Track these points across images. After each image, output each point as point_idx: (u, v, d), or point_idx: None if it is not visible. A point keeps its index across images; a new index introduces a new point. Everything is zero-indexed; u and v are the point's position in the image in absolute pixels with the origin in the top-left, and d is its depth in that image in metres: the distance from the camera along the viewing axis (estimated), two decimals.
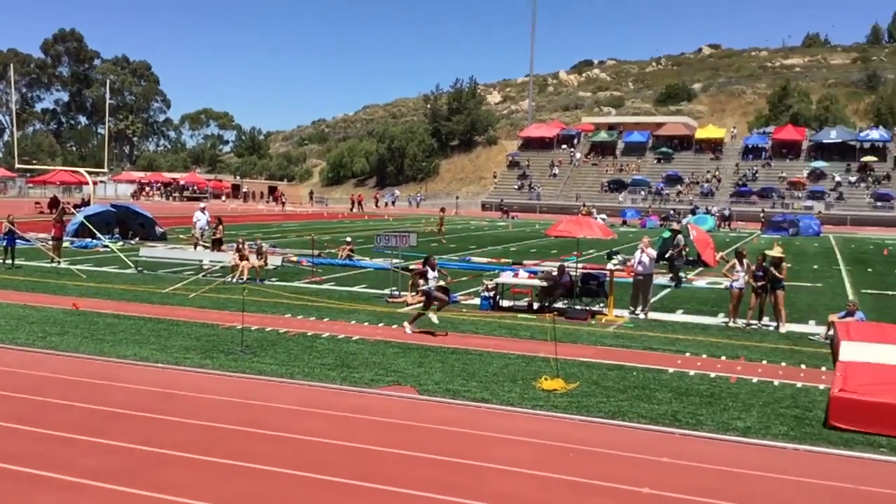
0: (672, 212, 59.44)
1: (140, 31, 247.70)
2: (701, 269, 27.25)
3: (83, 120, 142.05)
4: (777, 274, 16.21)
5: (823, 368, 12.56)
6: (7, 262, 23.16)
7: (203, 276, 22.09)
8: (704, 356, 13.39)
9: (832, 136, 75.43)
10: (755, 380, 11.75)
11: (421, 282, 15.84)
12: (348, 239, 27.88)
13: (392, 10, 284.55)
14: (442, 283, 16.12)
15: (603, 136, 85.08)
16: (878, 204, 64.41)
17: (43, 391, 10.15)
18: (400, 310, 17.43)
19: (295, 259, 26.25)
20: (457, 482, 7.48)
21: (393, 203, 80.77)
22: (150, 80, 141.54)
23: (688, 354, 13.49)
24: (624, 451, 8.54)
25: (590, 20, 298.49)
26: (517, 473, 7.76)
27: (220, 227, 27.57)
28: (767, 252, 16.86)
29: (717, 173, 74.63)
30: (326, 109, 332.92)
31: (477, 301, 18.35)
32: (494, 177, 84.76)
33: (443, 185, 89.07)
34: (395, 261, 20.77)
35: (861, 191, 68.14)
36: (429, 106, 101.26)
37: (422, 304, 15.64)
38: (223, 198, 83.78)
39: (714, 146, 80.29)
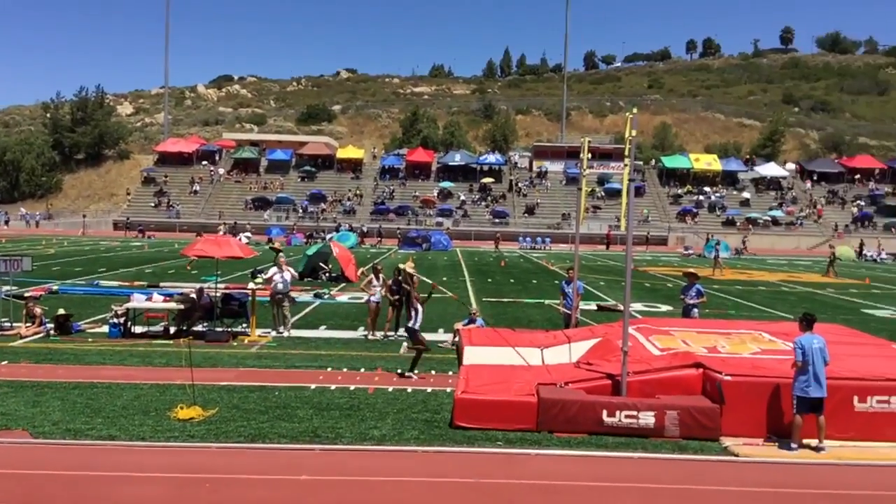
0: (314, 232, 60.83)
1: None
2: (344, 284, 28.07)
3: None
4: (409, 287, 17.22)
5: (450, 373, 13.57)
6: None
7: None
8: (345, 370, 13.73)
9: (457, 158, 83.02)
10: (391, 389, 12.32)
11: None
12: None
13: (6, 9, 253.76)
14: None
15: (246, 153, 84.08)
16: (496, 220, 72.13)
17: None
18: (12, 343, 15.37)
19: None
20: None
21: (6, 223, 71.47)
22: None
23: (329, 369, 13.73)
24: (264, 473, 8.37)
25: (230, 35, 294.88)
26: None
27: None
28: (401, 265, 17.86)
29: (358, 192, 77.88)
30: None
31: (105, 329, 16.87)
32: (128, 193, 79.21)
33: (68, 203, 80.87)
34: (6, 288, 18.28)
35: (482, 208, 75.73)
36: (49, 115, 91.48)
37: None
38: None
39: (354, 166, 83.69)
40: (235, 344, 16.07)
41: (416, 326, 13.59)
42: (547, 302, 24.17)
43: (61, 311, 17.04)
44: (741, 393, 10.24)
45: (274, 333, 17.24)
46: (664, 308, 23.64)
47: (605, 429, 10.12)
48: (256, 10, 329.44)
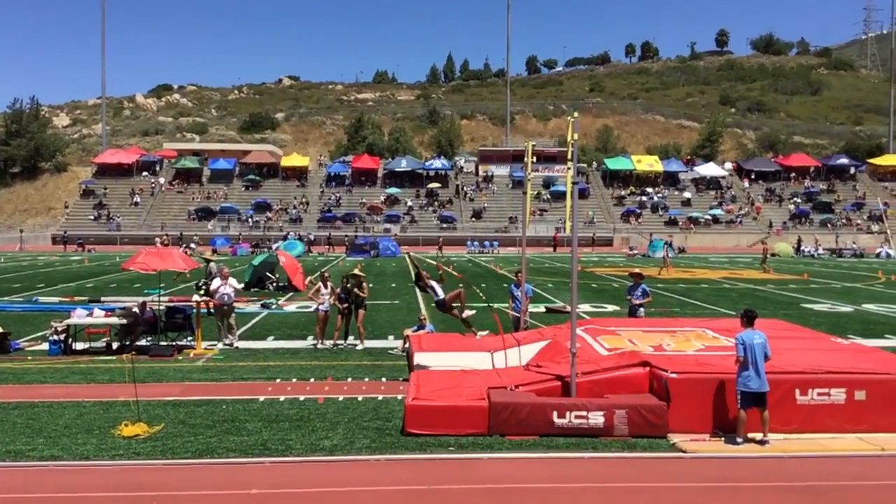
0: (260, 241, 60.24)
1: None
2: (291, 293, 27.78)
3: None
4: (360, 293, 17.15)
5: (401, 380, 13.51)
6: None
7: None
8: (294, 380, 13.57)
9: (403, 164, 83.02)
10: (341, 398, 12.21)
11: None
12: None
13: None
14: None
15: (187, 162, 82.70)
16: (444, 225, 72.28)
17: None
18: None
19: None
20: None
21: None
22: None
23: (278, 380, 13.56)
24: (213, 489, 8.22)
25: (168, 44, 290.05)
26: None
27: None
28: (354, 272, 17.76)
29: (304, 199, 77.22)
30: None
31: (45, 346, 16.39)
32: (66, 207, 77.21)
33: (4, 218, 78.38)
34: None
35: (430, 214, 75.82)
36: None
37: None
38: None
39: (300, 174, 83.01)
40: (181, 358, 15.75)
41: (441, 297, 13.48)
42: (496, 305, 24.26)
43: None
44: (687, 390, 10.41)
45: (220, 346, 16.96)
46: (611, 308, 23.96)
47: (555, 430, 10.20)
48: (195, 18, 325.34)
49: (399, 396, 12.08)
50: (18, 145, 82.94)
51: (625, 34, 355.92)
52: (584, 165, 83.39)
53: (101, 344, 16.90)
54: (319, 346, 17.05)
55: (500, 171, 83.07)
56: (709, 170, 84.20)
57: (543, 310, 23.20)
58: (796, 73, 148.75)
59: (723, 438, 10.17)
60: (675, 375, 10.51)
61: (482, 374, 12.43)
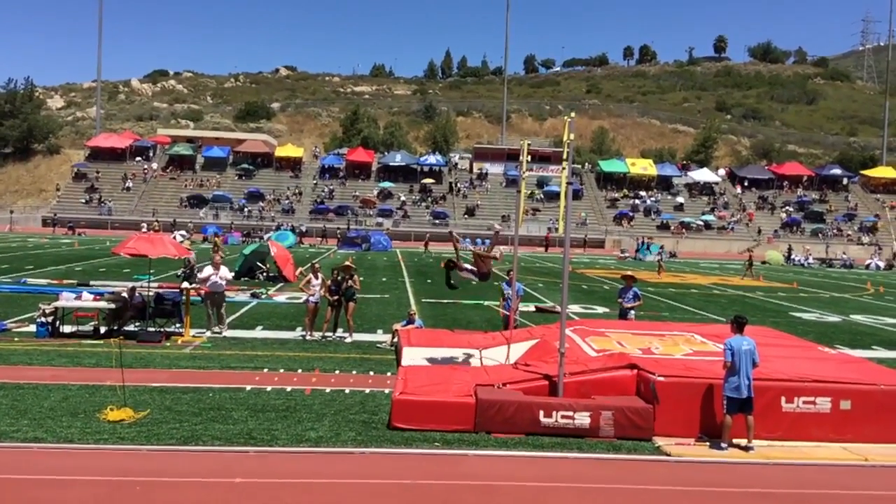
0: (252, 231, 60.06)
1: None
2: (282, 284, 27.71)
3: None
4: (353, 285, 17.12)
5: (389, 374, 13.51)
6: None
7: None
8: (282, 371, 13.55)
9: (397, 159, 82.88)
10: (328, 390, 12.20)
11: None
12: None
13: None
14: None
15: (181, 149, 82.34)
16: (436, 221, 72.23)
17: None
18: None
19: None
20: None
21: None
22: None
23: (266, 370, 13.53)
24: (196, 476, 8.20)
25: (165, 29, 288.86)
26: None
27: None
28: (346, 265, 17.74)
29: (297, 190, 77.03)
30: None
31: (32, 328, 16.31)
32: (58, 189, 76.79)
33: None
34: None
35: (422, 209, 75.74)
36: None
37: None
38: None
39: (293, 165, 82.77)
40: (168, 344, 15.71)
41: (479, 272, 13.67)
42: (486, 303, 24.31)
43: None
44: (674, 393, 10.45)
45: (208, 334, 16.92)
46: (601, 310, 24.01)
47: (541, 429, 10.21)
48: (194, 4, 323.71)
49: (386, 390, 12.07)
50: (11, 126, 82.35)
51: (623, 37, 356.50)
52: (579, 167, 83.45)
53: (88, 328, 16.84)
54: (308, 337, 17.02)
55: (495, 168, 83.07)
56: (702, 175, 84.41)
57: (534, 309, 23.23)
58: (793, 82, 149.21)
59: (708, 443, 10.21)
60: (662, 379, 10.54)
61: (470, 371, 12.45)
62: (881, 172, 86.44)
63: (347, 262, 18.12)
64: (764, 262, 56.60)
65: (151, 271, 18.68)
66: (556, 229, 65.29)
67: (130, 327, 16.71)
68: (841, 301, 31.07)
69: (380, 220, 71.64)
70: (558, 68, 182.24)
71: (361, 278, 19.35)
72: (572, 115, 11.56)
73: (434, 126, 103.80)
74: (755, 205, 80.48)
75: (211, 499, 7.55)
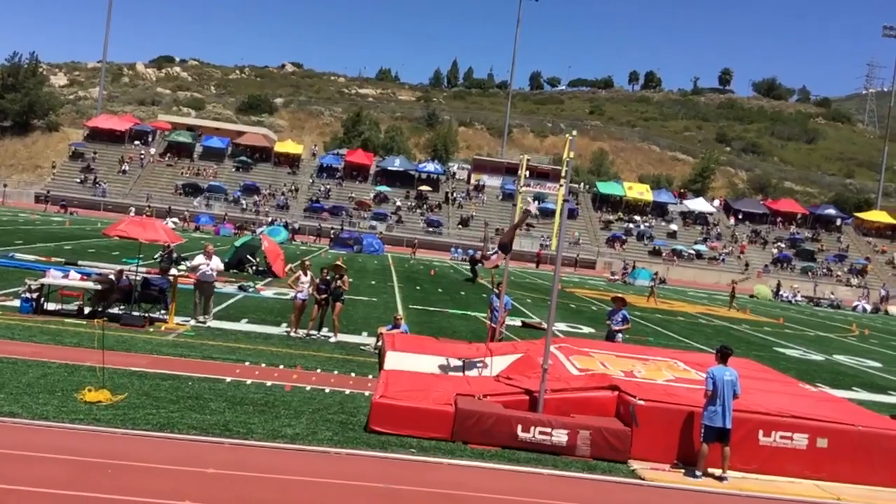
0: (245, 223, 59.89)
1: None
2: (270, 279, 27.66)
3: None
4: (341, 285, 17.09)
5: (370, 377, 13.48)
6: None
7: None
8: (263, 365, 13.50)
9: (396, 164, 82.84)
10: (308, 388, 12.16)
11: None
12: None
13: None
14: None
15: (180, 136, 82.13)
16: (430, 229, 72.21)
17: None
18: None
19: None
20: None
21: None
22: None
23: (247, 364, 13.48)
24: (169, 464, 8.15)
25: (174, 15, 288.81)
26: (44, 494, 6.94)
27: None
28: (337, 264, 17.70)
29: (293, 187, 76.92)
30: None
31: (17, 303, 16.22)
32: (53, 167, 76.45)
33: None
34: None
35: (417, 216, 75.69)
36: None
37: None
38: None
39: (292, 161, 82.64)
40: (152, 330, 15.64)
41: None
42: (473, 314, 24.30)
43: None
44: (653, 418, 10.45)
45: (193, 322, 16.85)
46: (587, 330, 24.03)
47: (518, 443, 10.20)
48: None
49: (366, 393, 12.04)
50: (12, 99, 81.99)
51: (630, 61, 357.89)
52: (576, 186, 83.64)
53: (73, 307, 16.75)
54: (293, 334, 16.97)
55: (492, 181, 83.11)
56: (698, 205, 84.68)
57: (520, 323, 23.23)
58: (794, 120, 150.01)
59: (683, 470, 10.21)
60: (642, 402, 10.55)
61: (452, 380, 12.43)
62: (875, 216, 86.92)
63: (338, 262, 18.09)
64: (752, 296, 56.76)
65: (141, 255, 18.60)
66: (549, 246, 65.44)
67: (115, 310, 16.63)
68: (826, 340, 31.18)
69: (374, 223, 71.55)
70: (563, 87, 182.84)
71: (351, 279, 19.32)
72: (574, 133, 11.59)
73: (435, 134, 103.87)
74: (748, 238, 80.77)
75: (182, 487, 7.51)
